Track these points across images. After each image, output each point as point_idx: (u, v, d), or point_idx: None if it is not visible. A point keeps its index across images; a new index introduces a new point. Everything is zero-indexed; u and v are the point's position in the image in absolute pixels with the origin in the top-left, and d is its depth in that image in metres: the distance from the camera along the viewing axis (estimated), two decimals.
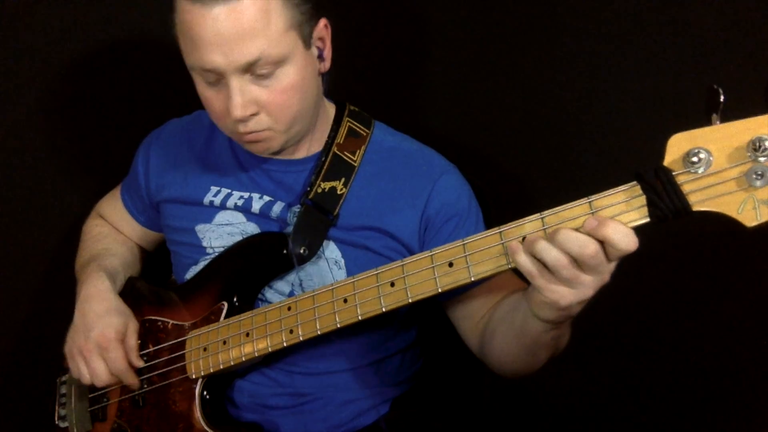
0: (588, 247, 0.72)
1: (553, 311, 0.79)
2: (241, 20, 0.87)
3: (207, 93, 0.96)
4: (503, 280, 0.98)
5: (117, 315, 1.08)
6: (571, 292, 0.75)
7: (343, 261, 1.04)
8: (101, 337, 1.04)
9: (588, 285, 0.75)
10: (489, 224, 1.05)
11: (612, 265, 0.75)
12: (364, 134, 1.10)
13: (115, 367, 1.04)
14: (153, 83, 1.43)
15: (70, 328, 1.09)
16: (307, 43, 0.96)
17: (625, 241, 0.71)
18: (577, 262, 0.74)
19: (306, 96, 0.98)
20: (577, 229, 0.74)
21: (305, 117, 1.01)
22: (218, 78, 0.92)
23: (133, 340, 1.07)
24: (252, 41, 0.88)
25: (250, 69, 0.91)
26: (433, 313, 1.11)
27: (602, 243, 0.73)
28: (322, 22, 0.99)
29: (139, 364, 1.07)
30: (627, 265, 0.76)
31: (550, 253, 0.74)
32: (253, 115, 0.95)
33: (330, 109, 1.12)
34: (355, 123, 1.11)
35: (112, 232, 1.28)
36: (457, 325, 1.07)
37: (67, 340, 1.10)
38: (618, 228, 0.72)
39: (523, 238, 0.78)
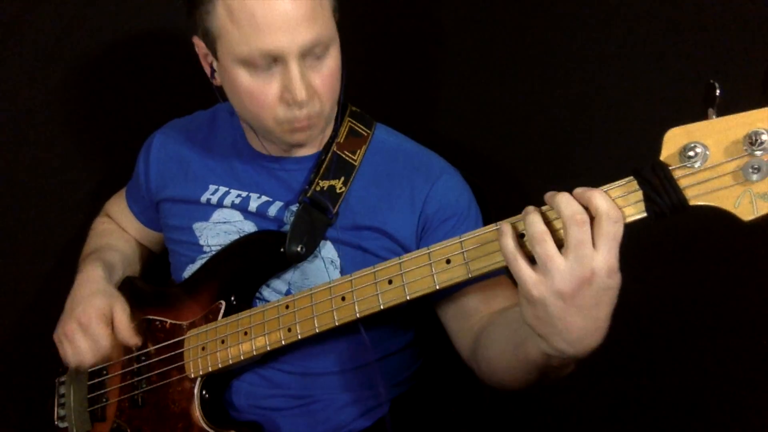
0: (581, 213, 0.70)
1: (528, 309, 0.74)
2: (305, 2, 0.89)
3: (254, 84, 0.94)
4: (498, 280, 0.98)
5: (101, 296, 1.07)
6: (540, 280, 0.71)
7: (339, 260, 1.04)
8: (82, 316, 1.03)
9: (560, 272, 0.70)
10: (488, 222, 1.04)
11: (599, 258, 0.69)
12: (365, 134, 1.10)
13: (99, 344, 1.03)
14: (163, 82, 1.43)
15: (61, 316, 1.09)
16: (337, 28, 0.98)
17: (608, 206, 0.69)
18: (564, 229, 0.71)
19: (340, 81, 1.00)
20: None
21: (337, 103, 1.03)
22: (270, 65, 0.92)
23: (123, 319, 1.05)
24: (313, 22, 0.90)
25: (308, 51, 0.92)
26: (431, 313, 1.11)
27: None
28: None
29: (134, 341, 1.06)
30: (625, 260, 0.75)
31: (536, 226, 0.72)
32: (309, 98, 0.95)
33: None
34: (356, 123, 1.11)
35: (117, 230, 1.29)
36: (448, 326, 1.05)
37: (56, 328, 1.09)
38: (604, 196, 0.70)
39: (520, 234, 0.78)
